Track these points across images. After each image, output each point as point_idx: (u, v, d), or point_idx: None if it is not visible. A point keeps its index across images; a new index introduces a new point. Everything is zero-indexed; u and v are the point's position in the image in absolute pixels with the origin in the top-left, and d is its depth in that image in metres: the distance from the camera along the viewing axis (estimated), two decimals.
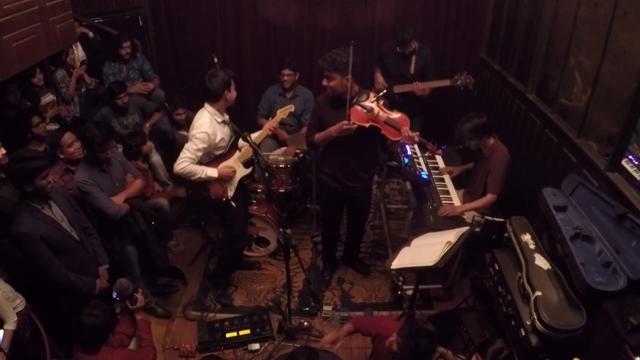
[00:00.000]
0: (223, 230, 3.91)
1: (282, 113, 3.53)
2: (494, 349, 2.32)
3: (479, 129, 3.35)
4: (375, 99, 3.07)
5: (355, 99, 3.07)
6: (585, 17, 3.21)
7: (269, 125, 3.46)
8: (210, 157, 3.29)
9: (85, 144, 3.09)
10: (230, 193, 3.37)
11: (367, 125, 3.06)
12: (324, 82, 3.12)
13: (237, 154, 3.37)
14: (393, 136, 3.08)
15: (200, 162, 3.24)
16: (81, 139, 3.17)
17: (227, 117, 3.27)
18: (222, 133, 3.23)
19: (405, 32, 4.26)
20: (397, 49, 4.34)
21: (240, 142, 3.37)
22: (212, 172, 3.23)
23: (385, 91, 3.13)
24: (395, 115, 3.12)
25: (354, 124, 3.01)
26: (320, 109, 3.27)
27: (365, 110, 3.03)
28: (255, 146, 3.09)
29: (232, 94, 3.18)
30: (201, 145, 3.13)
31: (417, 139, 3.07)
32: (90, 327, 2.41)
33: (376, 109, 3.05)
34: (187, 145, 3.16)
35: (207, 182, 3.28)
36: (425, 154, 4.07)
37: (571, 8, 3.35)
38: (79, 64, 4.55)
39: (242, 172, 3.41)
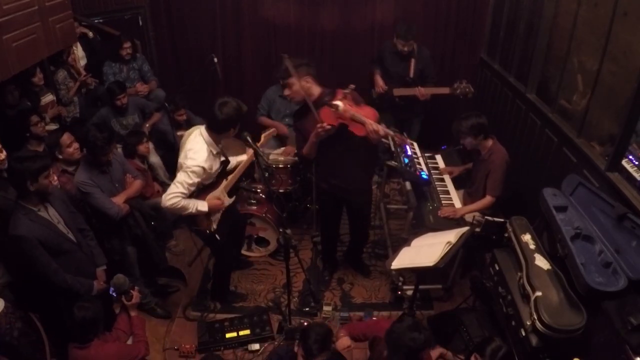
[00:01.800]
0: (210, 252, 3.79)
1: (265, 138, 3.34)
2: (492, 347, 2.32)
3: (474, 127, 3.34)
4: (342, 96, 3.02)
5: (325, 99, 3.03)
6: (585, 17, 3.21)
7: (250, 154, 3.20)
8: (198, 188, 3.03)
9: (87, 148, 3.07)
10: (215, 225, 3.18)
11: (336, 124, 3.00)
12: (286, 92, 3.12)
13: (224, 183, 3.15)
14: (359, 131, 3.01)
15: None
16: (83, 142, 3.14)
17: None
18: (215, 164, 3.03)
19: (410, 29, 4.24)
20: (398, 46, 4.31)
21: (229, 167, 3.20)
22: (202, 205, 3.00)
23: (353, 87, 3.06)
24: (361, 110, 3.05)
25: (328, 125, 2.96)
26: (298, 124, 3.25)
27: (332, 109, 2.97)
28: (255, 146, 3.07)
29: (235, 132, 2.97)
30: (195, 180, 2.90)
31: (382, 132, 2.99)
32: (81, 319, 2.44)
33: (342, 106, 2.97)
34: (179, 178, 2.88)
35: (192, 217, 3.07)
36: (425, 154, 4.07)
37: (571, 8, 3.35)
38: (80, 63, 4.56)
39: (227, 202, 3.22)
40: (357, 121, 2.99)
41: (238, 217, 3.68)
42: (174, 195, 2.87)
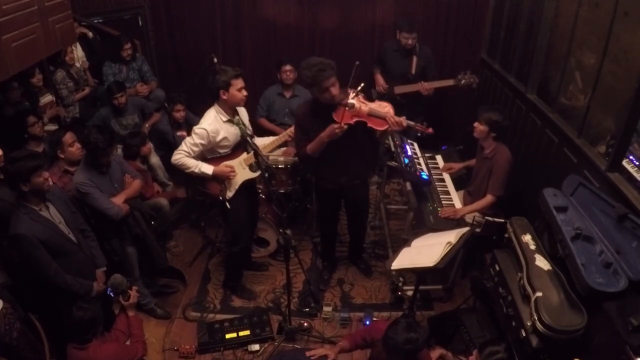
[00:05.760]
0: (223, 230, 3.87)
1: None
2: (492, 349, 2.31)
3: (495, 124, 3.33)
4: (354, 94, 3.06)
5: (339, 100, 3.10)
6: (585, 17, 3.20)
7: (278, 139, 3.47)
8: (214, 154, 3.28)
9: (88, 150, 3.08)
10: (230, 194, 3.32)
11: (352, 122, 3.06)
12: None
13: (244, 155, 3.33)
14: (380, 126, 3.07)
15: (202, 158, 3.23)
16: (84, 144, 3.14)
17: (238, 117, 3.19)
18: (225, 132, 3.18)
19: (412, 21, 4.24)
20: (402, 40, 4.29)
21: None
22: (206, 168, 3.20)
23: (363, 85, 3.10)
24: (377, 105, 3.12)
25: (345, 125, 3.01)
26: (303, 121, 3.25)
27: (347, 108, 3.03)
28: (255, 146, 3.08)
29: (231, 95, 3.07)
30: (198, 141, 3.12)
31: (404, 123, 3.03)
32: (79, 320, 2.44)
33: (357, 104, 3.05)
34: (186, 139, 3.19)
35: (205, 178, 3.26)
36: (426, 154, 4.07)
37: (571, 8, 3.34)
38: (80, 62, 4.57)
39: (245, 174, 3.34)
40: (376, 116, 3.05)
41: (254, 198, 3.76)
42: (178, 151, 3.17)
